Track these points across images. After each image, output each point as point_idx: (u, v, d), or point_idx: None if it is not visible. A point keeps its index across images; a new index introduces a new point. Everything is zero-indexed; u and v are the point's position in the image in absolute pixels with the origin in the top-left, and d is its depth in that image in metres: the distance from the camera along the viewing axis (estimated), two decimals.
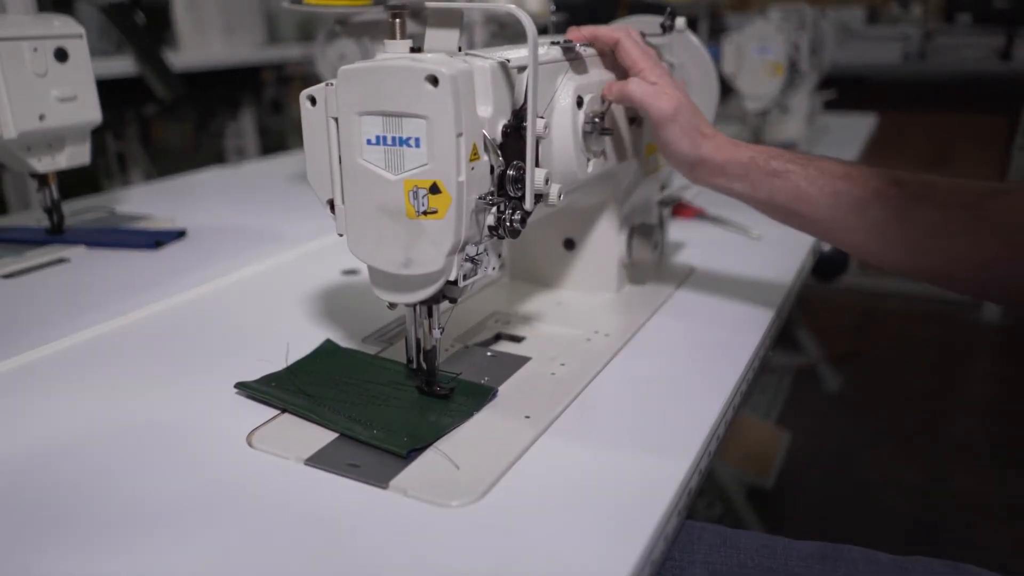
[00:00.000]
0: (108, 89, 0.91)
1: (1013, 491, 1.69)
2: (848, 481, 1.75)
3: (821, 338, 2.27)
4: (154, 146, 2.22)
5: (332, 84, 0.47)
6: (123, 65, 1.75)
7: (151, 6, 1.99)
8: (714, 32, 1.75)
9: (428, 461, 0.47)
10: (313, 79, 1.17)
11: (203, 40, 2.13)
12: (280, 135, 2.49)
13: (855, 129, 1.72)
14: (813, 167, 0.60)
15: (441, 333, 0.52)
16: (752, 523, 1.49)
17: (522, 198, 0.50)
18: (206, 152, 2.34)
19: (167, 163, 2.12)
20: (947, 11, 2.69)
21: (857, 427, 1.99)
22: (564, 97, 0.57)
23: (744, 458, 1.63)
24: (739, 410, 0.59)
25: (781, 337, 0.75)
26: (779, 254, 0.87)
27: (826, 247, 1.02)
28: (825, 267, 1.65)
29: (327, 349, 0.62)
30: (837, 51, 1.80)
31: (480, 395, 0.54)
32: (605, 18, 0.86)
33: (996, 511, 1.63)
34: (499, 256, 0.53)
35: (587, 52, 0.61)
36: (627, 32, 0.65)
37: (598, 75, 0.63)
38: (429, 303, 0.51)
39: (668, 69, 0.66)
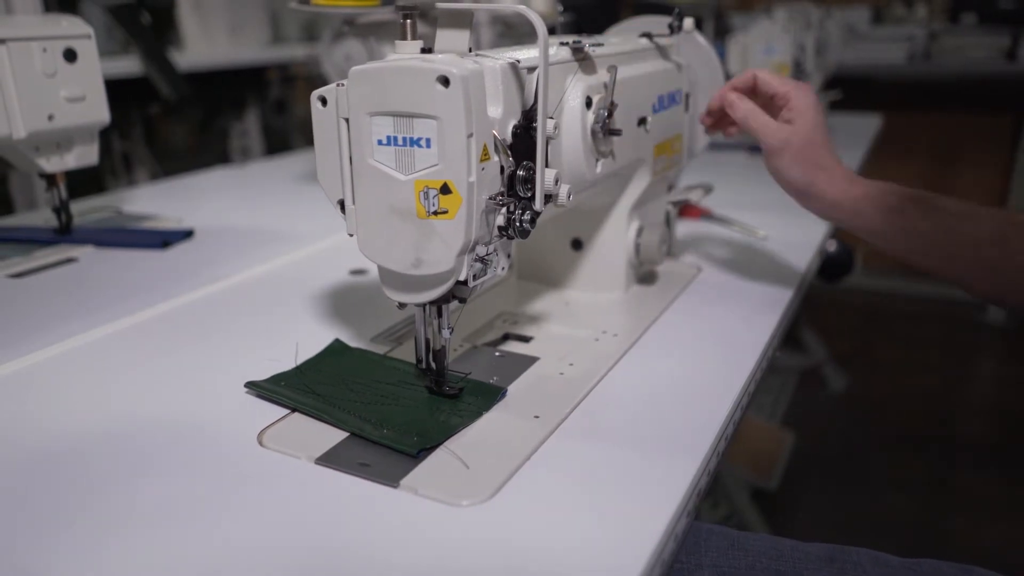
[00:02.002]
0: (113, 89, 0.91)
1: (1017, 492, 1.69)
2: (852, 482, 1.75)
3: (826, 338, 2.27)
4: (159, 146, 2.23)
5: (343, 85, 0.47)
6: (128, 65, 1.75)
7: (156, 6, 1.99)
8: (719, 32, 1.75)
9: (438, 461, 0.47)
10: (318, 79, 1.18)
11: (208, 40, 2.13)
12: (284, 135, 2.49)
13: (860, 130, 1.72)
14: (928, 205, 0.61)
15: (451, 333, 0.53)
16: (757, 524, 1.49)
17: (532, 198, 0.50)
18: (211, 152, 2.34)
19: (172, 163, 2.12)
20: (952, 11, 2.68)
21: (861, 428, 1.99)
22: (573, 97, 0.58)
23: (748, 459, 1.63)
24: (746, 410, 0.59)
25: (786, 337, 0.75)
26: (786, 254, 0.87)
27: (831, 248, 1.02)
28: (830, 268, 1.65)
29: (336, 348, 0.62)
30: (842, 51, 1.80)
31: (489, 395, 0.54)
32: (610, 19, 0.86)
33: (1001, 512, 1.63)
34: (508, 256, 0.54)
35: (595, 52, 0.62)
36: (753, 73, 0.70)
37: (607, 76, 0.63)
38: (439, 303, 0.51)
39: (810, 91, 0.69)
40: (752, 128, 0.67)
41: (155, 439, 0.51)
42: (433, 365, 0.54)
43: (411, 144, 0.46)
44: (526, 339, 0.65)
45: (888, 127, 1.86)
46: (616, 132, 0.61)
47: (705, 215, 1.00)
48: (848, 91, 1.78)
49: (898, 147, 2.70)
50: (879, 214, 0.62)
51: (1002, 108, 2.69)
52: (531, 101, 0.49)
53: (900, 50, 2.56)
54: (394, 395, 0.55)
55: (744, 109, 0.68)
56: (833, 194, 0.64)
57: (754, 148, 1.49)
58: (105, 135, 0.93)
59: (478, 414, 0.52)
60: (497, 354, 0.62)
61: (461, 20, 0.49)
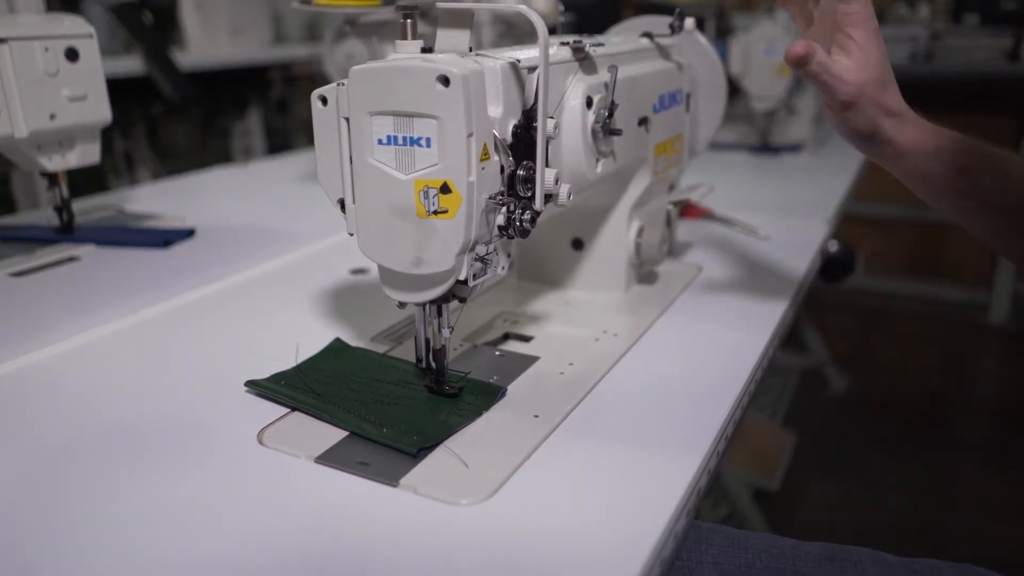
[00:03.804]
0: (116, 88, 0.92)
1: (1017, 492, 1.69)
2: (854, 482, 1.75)
3: (827, 339, 2.26)
4: (161, 145, 2.23)
5: (343, 84, 0.47)
6: (131, 65, 1.76)
7: (159, 6, 2.00)
8: (721, 32, 1.75)
9: (438, 460, 0.48)
10: (320, 78, 1.18)
11: (210, 40, 2.13)
12: (286, 134, 2.50)
13: None
14: (1004, 166, 0.57)
15: (451, 332, 0.53)
16: (758, 524, 1.49)
17: (532, 198, 0.50)
18: (213, 151, 2.34)
19: (174, 162, 2.13)
20: (954, 12, 2.68)
21: (862, 428, 1.99)
22: (574, 97, 0.58)
23: (750, 459, 1.63)
24: (747, 410, 0.59)
25: (787, 338, 0.76)
26: (787, 254, 0.87)
27: (832, 248, 1.02)
28: (832, 269, 1.65)
29: (336, 348, 0.62)
30: None
31: (489, 394, 0.54)
32: (611, 19, 0.86)
33: (1002, 513, 1.63)
34: (508, 256, 0.54)
35: (596, 52, 0.62)
36: None
37: (608, 76, 0.63)
38: (439, 302, 0.51)
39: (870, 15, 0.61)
40: (823, 83, 0.58)
41: (155, 437, 0.51)
42: (433, 364, 0.54)
43: (411, 143, 0.46)
44: (526, 339, 0.65)
45: None
46: (617, 132, 0.61)
47: (706, 215, 1.00)
48: None
49: None
50: (949, 173, 0.57)
51: (1004, 109, 2.68)
52: (531, 101, 0.49)
53: (902, 50, 2.56)
54: (394, 394, 0.55)
55: (818, 63, 0.58)
56: (902, 144, 0.59)
57: (756, 148, 1.49)
58: (107, 134, 0.93)
59: (478, 413, 0.52)
60: (497, 353, 0.62)
61: (462, 20, 0.49)
